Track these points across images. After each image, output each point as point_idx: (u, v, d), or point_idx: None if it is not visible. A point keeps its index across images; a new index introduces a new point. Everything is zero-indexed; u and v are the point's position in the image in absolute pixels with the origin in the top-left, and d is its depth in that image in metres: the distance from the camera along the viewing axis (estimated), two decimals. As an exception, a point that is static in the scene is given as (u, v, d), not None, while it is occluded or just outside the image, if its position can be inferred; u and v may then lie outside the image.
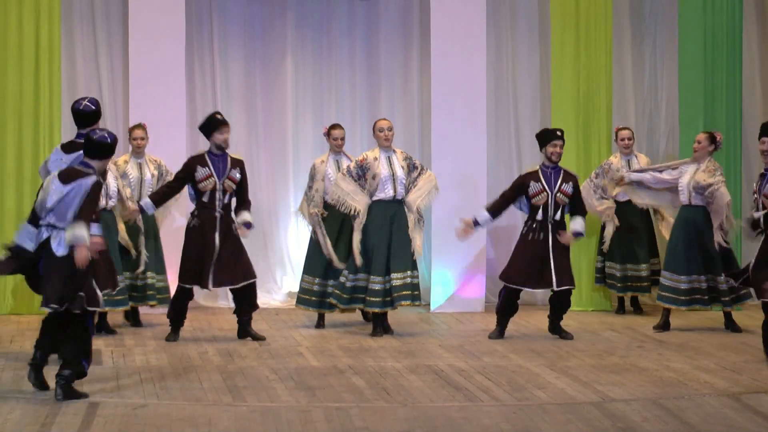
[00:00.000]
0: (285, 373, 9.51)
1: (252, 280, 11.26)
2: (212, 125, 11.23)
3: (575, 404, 8.40)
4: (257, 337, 11.25)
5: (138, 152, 12.06)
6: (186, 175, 11.20)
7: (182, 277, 11.19)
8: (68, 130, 11.88)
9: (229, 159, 11.26)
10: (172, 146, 12.86)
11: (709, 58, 13.39)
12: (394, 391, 8.83)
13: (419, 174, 11.71)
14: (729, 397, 8.63)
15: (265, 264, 14.00)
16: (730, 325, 11.88)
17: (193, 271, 11.13)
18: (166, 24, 12.97)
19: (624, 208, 12.79)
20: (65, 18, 13.28)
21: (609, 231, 12.84)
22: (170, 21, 12.99)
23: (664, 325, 11.87)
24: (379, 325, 11.57)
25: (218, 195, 11.18)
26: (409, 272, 11.56)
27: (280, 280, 14.17)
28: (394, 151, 11.73)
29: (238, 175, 11.25)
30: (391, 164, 11.60)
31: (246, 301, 11.33)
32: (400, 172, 11.58)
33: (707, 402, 8.46)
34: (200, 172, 11.16)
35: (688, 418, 7.97)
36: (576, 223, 11.44)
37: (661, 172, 12.17)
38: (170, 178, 11.80)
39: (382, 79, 14.22)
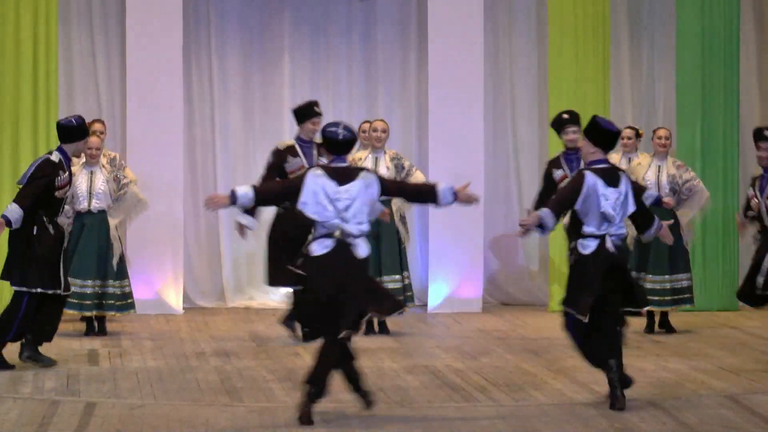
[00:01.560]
0: (282, 374, 9.50)
1: None
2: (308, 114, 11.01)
3: (573, 405, 8.40)
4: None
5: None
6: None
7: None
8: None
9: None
10: (169, 146, 12.85)
11: (706, 60, 13.38)
12: (391, 391, 8.83)
13: (407, 175, 11.67)
14: (726, 397, 8.63)
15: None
16: (665, 325, 11.74)
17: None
18: (163, 23, 12.96)
19: None
20: (62, 18, 13.26)
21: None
22: (167, 21, 12.98)
23: (651, 325, 11.78)
24: (370, 325, 11.54)
25: None
26: (398, 275, 11.52)
27: (278, 280, 14.14)
28: (384, 152, 11.71)
29: None
30: (376, 165, 11.56)
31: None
32: (383, 173, 11.51)
33: (705, 403, 8.46)
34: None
35: (686, 418, 7.97)
36: None
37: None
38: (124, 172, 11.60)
39: (380, 79, 14.21)
